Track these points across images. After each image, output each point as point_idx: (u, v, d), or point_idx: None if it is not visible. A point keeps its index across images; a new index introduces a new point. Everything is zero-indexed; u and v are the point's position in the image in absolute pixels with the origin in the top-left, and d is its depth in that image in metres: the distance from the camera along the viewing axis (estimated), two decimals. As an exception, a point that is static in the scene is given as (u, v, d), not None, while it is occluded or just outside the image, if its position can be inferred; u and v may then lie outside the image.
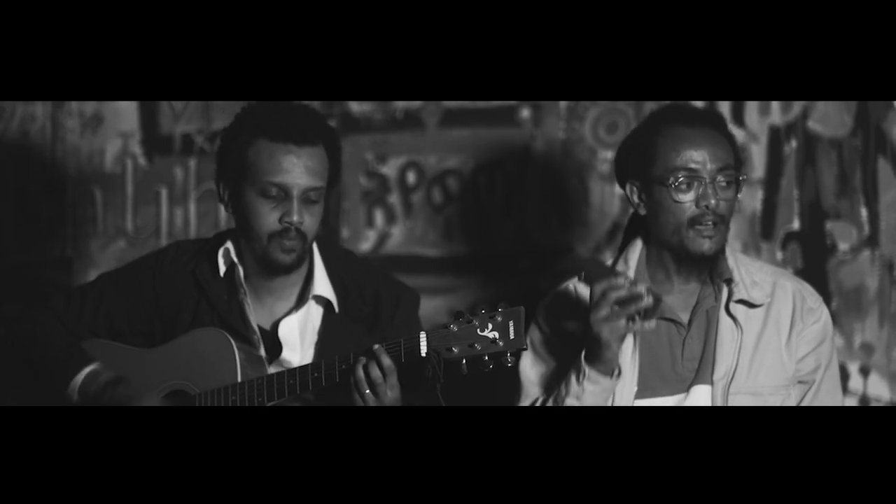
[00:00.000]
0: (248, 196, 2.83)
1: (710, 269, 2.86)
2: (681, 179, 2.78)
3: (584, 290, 2.87)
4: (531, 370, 2.88)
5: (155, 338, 2.96)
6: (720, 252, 2.82)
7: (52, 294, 3.62)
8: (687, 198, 2.78)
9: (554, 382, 2.82)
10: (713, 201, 2.77)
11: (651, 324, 2.68)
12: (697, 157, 2.78)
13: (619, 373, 2.73)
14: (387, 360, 2.66)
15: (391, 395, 2.68)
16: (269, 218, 2.82)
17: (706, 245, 2.78)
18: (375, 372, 2.67)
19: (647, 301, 2.65)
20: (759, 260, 3.09)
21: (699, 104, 3.13)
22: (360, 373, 2.68)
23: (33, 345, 2.92)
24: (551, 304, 2.93)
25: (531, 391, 2.88)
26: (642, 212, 2.86)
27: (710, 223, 2.77)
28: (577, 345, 2.75)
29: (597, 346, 2.68)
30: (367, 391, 2.68)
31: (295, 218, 2.80)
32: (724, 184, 2.78)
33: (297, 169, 2.80)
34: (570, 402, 2.74)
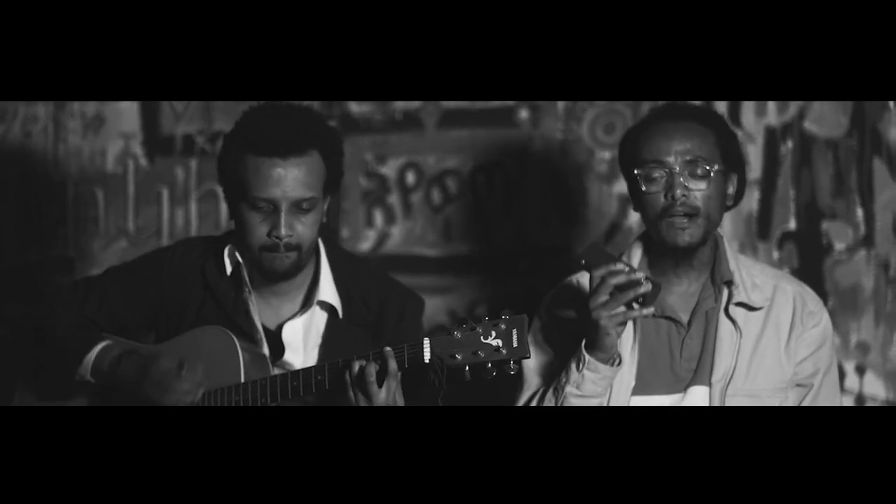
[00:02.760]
0: (242, 209, 2.84)
1: (711, 271, 2.87)
2: (647, 170, 2.80)
3: (585, 282, 2.89)
4: (533, 360, 2.88)
5: (159, 334, 2.96)
6: (701, 244, 2.82)
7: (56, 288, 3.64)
8: (655, 188, 2.80)
9: (555, 373, 2.83)
10: (678, 191, 2.77)
11: (650, 310, 2.69)
12: (665, 149, 2.80)
13: (620, 361, 2.75)
14: (393, 364, 2.67)
15: (383, 398, 2.68)
16: (259, 231, 2.82)
17: (680, 237, 2.79)
18: (371, 371, 2.67)
19: (646, 287, 2.67)
20: (760, 262, 3.09)
21: (696, 104, 3.13)
22: (356, 370, 2.69)
23: (41, 334, 2.92)
24: (555, 295, 2.95)
25: (533, 381, 2.89)
26: (634, 208, 2.89)
27: (681, 214, 2.78)
28: (578, 335, 2.77)
29: (596, 333, 2.70)
30: (359, 389, 2.69)
31: (283, 231, 2.80)
32: (696, 175, 2.79)
33: (285, 182, 2.79)
34: (570, 389, 2.75)
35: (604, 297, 2.68)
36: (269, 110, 2.88)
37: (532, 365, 2.89)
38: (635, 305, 2.69)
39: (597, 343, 2.71)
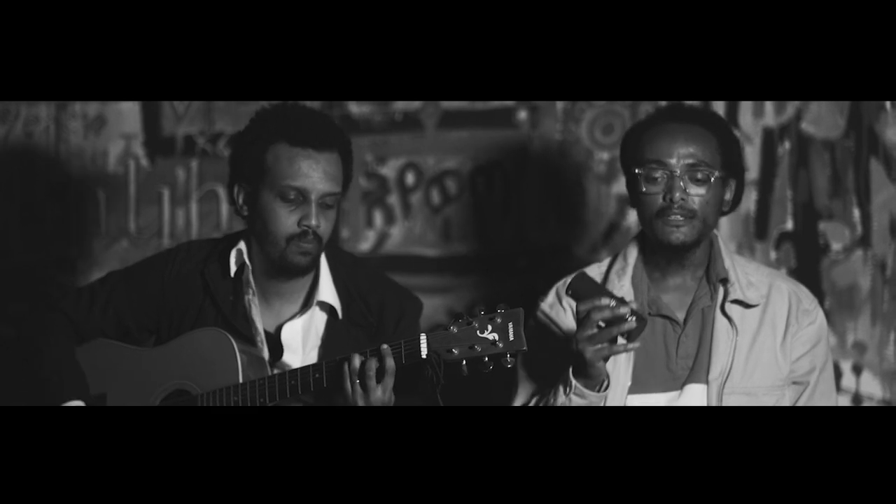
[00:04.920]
0: (266, 199, 2.85)
1: (707, 269, 2.89)
2: (648, 170, 2.81)
3: (557, 314, 2.92)
4: (526, 363, 2.90)
5: (161, 336, 2.97)
6: (695, 245, 2.83)
7: (56, 293, 3.65)
8: (654, 189, 2.81)
9: (547, 377, 2.84)
10: (677, 195, 2.79)
11: (635, 345, 2.69)
12: (668, 151, 2.81)
13: (608, 385, 2.75)
14: (390, 362, 2.68)
15: (380, 395, 2.69)
16: (288, 221, 2.84)
17: (674, 235, 2.80)
18: (371, 366, 2.68)
19: (630, 324, 2.66)
20: (755, 261, 3.10)
21: (696, 105, 3.15)
22: (357, 363, 2.70)
23: (37, 352, 2.93)
24: (551, 296, 2.96)
25: (526, 385, 2.91)
26: (631, 205, 2.91)
27: (677, 216, 2.79)
28: (571, 336, 2.76)
29: (582, 364, 2.70)
30: (358, 381, 2.69)
31: (313, 222, 2.82)
32: (695, 180, 2.80)
33: (317, 174, 2.82)
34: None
35: (589, 332, 2.68)
36: (291, 108, 2.91)
37: (526, 367, 2.90)
38: (620, 339, 2.68)
39: (583, 372, 2.72)
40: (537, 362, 2.90)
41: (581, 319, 2.70)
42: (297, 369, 2.79)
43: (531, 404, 2.87)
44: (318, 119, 2.90)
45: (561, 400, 2.75)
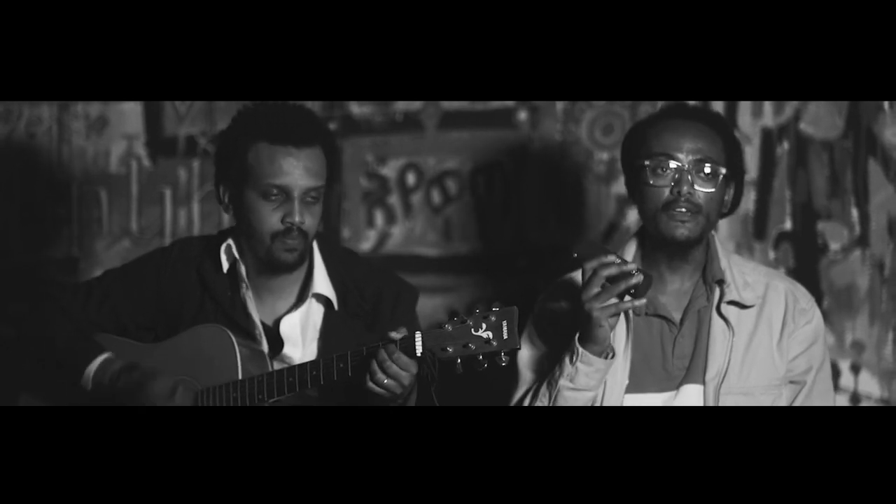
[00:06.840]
0: (250, 198, 2.87)
1: (703, 270, 2.89)
2: (656, 162, 2.81)
3: (579, 278, 2.92)
4: (527, 357, 2.91)
5: (158, 334, 2.99)
6: (697, 241, 2.84)
7: (56, 293, 3.66)
8: (662, 182, 2.81)
9: (548, 368, 2.85)
10: (685, 188, 2.79)
11: (642, 301, 2.70)
12: (676, 145, 2.81)
13: (613, 354, 2.76)
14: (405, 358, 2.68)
15: (408, 382, 2.69)
16: (272, 219, 2.85)
17: (679, 231, 2.81)
18: (392, 349, 2.67)
19: (638, 278, 2.68)
20: (752, 261, 3.11)
21: (695, 105, 3.15)
22: (382, 354, 2.68)
23: (43, 340, 2.95)
24: (550, 291, 2.97)
25: (527, 377, 2.91)
26: (632, 201, 2.91)
27: (683, 210, 2.80)
28: (572, 331, 2.78)
29: (589, 325, 2.70)
30: (388, 377, 2.68)
31: (297, 218, 2.84)
32: (703, 175, 2.81)
33: (297, 171, 2.84)
34: (564, 382, 2.76)
35: (595, 289, 2.69)
36: (272, 106, 2.93)
37: (526, 361, 2.90)
38: (627, 297, 2.70)
39: (590, 335, 2.72)
40: (538, 356, 2.91)
41: (587, 279, 2.71)
42: (294, 366, 2.79)
43: (534, 388, 2.86)
44: (298, 115, 2.91)
45: (567, 371, 2.76)
